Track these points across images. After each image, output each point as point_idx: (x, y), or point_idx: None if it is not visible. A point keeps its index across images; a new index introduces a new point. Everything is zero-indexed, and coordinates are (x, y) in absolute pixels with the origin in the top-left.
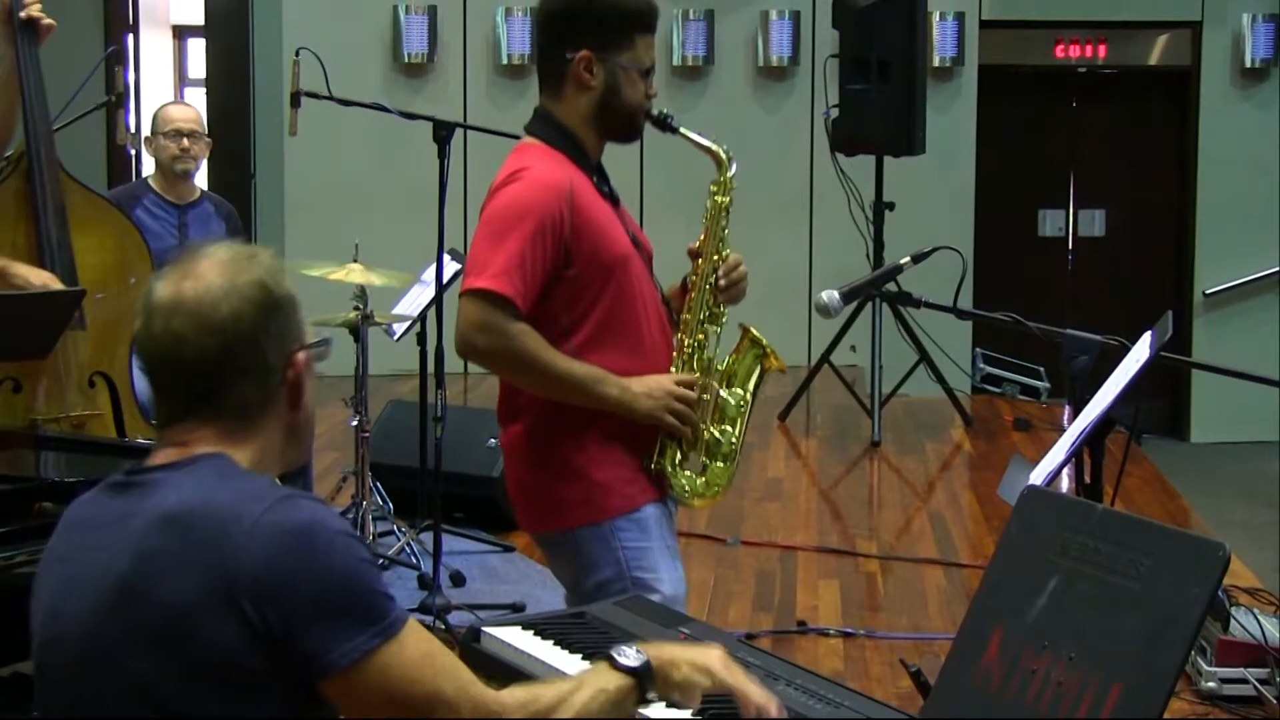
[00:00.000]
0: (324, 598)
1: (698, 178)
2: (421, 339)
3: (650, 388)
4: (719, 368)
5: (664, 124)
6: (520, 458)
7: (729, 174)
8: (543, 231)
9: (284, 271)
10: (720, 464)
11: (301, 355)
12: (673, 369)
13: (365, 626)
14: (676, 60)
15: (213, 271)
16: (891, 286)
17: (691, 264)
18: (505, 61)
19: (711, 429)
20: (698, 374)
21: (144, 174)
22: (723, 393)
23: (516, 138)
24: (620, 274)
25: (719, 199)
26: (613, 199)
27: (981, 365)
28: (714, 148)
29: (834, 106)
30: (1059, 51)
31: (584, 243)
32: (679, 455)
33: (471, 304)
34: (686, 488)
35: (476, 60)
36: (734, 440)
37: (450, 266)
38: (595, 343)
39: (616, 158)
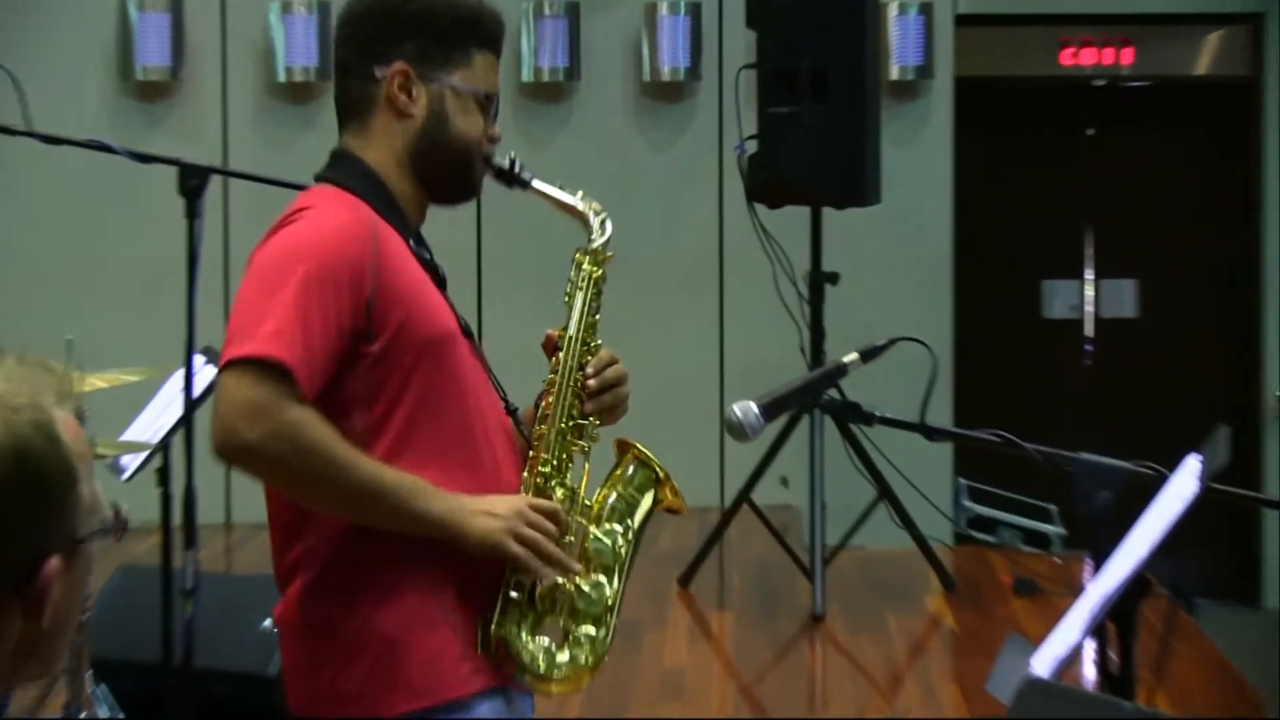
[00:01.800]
0: None
1: (557, 245)
2: (164, 476)
3: (492, 505)
4: (588, 502)
5: (512, 176)
6: (300, 625)
7: (601, 240)
8: (334, 284)
9: (67, 431)
10: (589, 629)
11: (54, 563)
12: (525, 489)
13: None
14: (527, 74)
15: None
16: (835, 394)
17: (549, 360)
18: (283, 78)
19: (578, 580)
20: (560, 501)
21: None
22: (594, 530)
23: (299, 187)
24: (445, 356)
25: (588, 269)
26: (436, 275)
27: (967, 503)
28: (579, 206)
29: (750, 138)
30: (1067, 58)
31: (393, 306)
32: (529, 616)
33: (235, 380)
34: (540, 665)
35: (241, 77)
36: (609, 597)
37: (206, 373)
38: (407, 452)
39: (442, 220)
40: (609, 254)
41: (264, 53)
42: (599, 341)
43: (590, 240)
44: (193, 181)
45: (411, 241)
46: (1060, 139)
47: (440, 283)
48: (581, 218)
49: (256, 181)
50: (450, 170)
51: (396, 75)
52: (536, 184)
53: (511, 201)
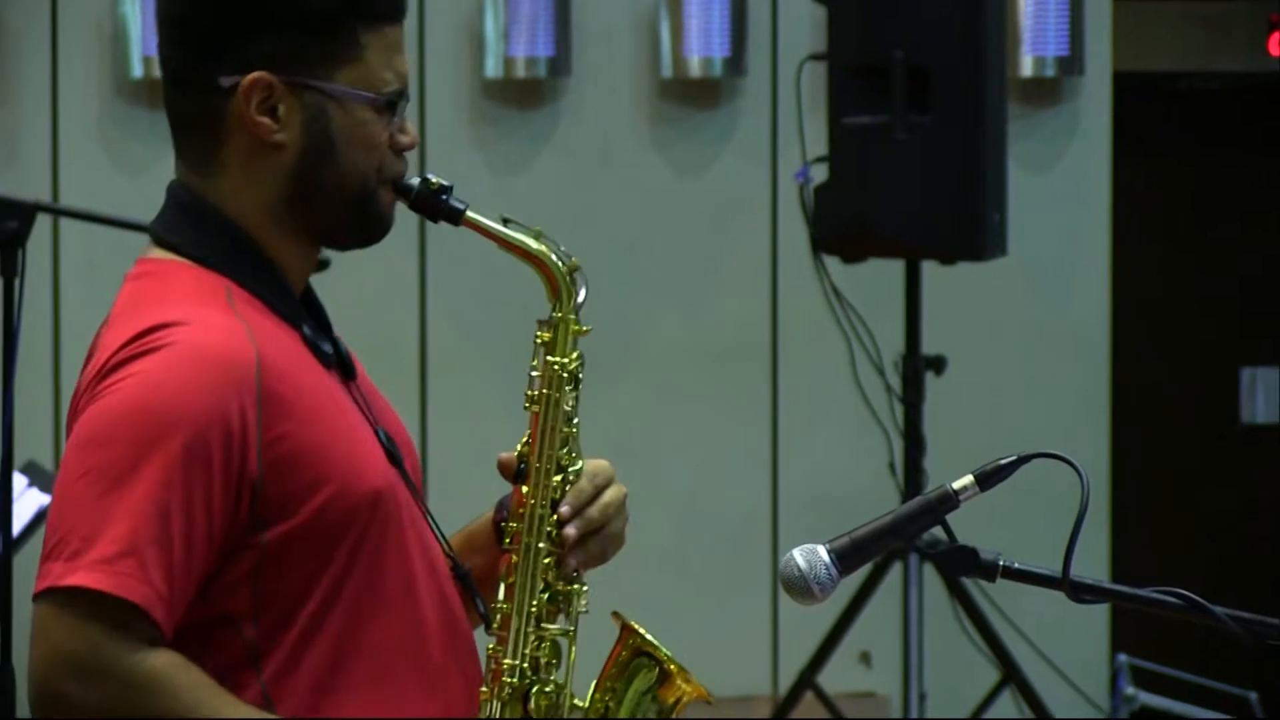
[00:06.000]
0: None
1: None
2: None
3: None
4: (577, 702)
5: (436, 205)
6: None
7: (570, 305)
8: (204, 466)
9: None
10: None
11: None
12: (486, 712)
13: None
14: (494, 68)
15: None
16: (940, 534)
17: (511, 496)
18: (137, 74)
19: None
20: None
21: None
22: None
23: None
24: (372, 527)
25: (556, 360)
26: (343, 366)
27: (1128, 689)
28: (537, 248)
29: (818, 160)
30: (1277, 45)
31: (294, 475)
32: None
33: (56, 618)
34: None
35: (77, 74)
36: None
37: (28, 500)
38: (312, 673)
39: (371, 261)
40: (584, 327)
41: (111, 37)
42: (578, 461)
43: (555, 308)
44: (11, 225)
45: (304, 328)
46: (1272, 161)
47: (348, 375)
48: (543, 267)
49: (101, 223)
50: (343, 214)
51: (254, 88)
52: (471, 215)
53: (473, 243)
